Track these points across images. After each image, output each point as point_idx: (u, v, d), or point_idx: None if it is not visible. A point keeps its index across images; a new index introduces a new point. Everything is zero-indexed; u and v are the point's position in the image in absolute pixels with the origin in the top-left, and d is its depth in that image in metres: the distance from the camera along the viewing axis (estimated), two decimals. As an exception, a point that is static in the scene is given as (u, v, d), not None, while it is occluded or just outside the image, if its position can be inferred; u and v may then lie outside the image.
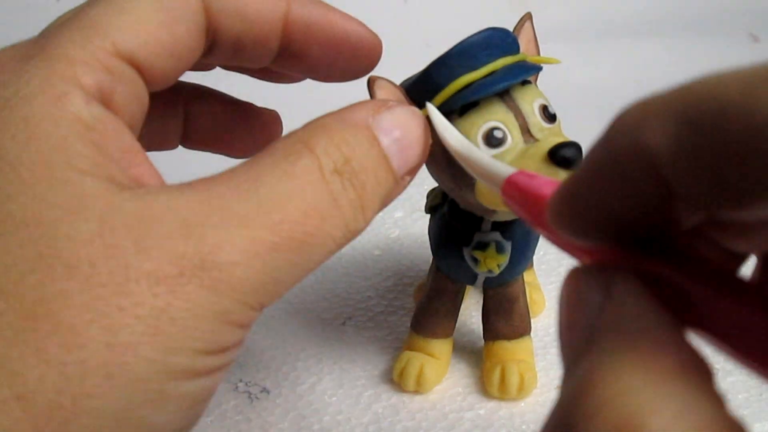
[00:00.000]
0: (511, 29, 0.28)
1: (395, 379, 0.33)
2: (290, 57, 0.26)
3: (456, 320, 0.34)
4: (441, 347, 0.33)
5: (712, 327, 0.13)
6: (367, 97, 0.27)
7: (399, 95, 0.27)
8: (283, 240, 0.19)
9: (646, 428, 0.11)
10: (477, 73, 0.26)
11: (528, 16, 0.30)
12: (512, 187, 0.19)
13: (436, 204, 0.33)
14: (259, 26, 0.24)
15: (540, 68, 0.29)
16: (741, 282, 0.13)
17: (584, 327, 0.14)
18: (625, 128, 0.13)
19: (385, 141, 0.22)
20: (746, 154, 0.11)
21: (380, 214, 0.52)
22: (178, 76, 0.24)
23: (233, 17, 0.24)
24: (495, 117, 0.26)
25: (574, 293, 0.15)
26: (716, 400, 0.12)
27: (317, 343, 0.36)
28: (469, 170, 0.23)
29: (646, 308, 0.13)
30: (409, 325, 0.35)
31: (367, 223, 0.22)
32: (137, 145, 0.21)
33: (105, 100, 0.20)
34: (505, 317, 0.32)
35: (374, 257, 0.44)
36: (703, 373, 0.12)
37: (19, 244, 0.17)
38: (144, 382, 0.17)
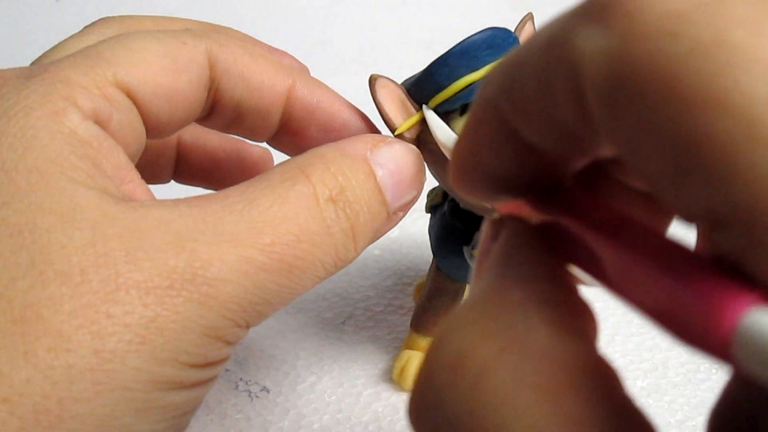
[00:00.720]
0: (512, 29, 0.28)
1: (395, 378, 0.33)
2: (289, 134, 0.26)
3: (456, 319, 0.34)
4: (441, 346, 0.33)
5: (598, 271, 0.13)
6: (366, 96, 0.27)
7: (400, 94, 0.27)
8: (273, 261, 0.19)
9: (471, 361, 0.11)
10: (478, 73, 0.26)
11: (529, 16, 0.30)
12: None
13: (437, 203, 0.33)
14: (261, 95, 0.25)
15: (541, 68, 0.29)
16: (632, 224, 0.13)
17: (476, 272, 0.15)
18: (482, 86, 0.14)
19: (380, 174, 0.22)
20: (551, 89, 0.12)
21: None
22: (175, 128, 0.24)
23: (236, 80, 0.24)
24: (496, 116, 0.26)
25: (480, 244, 0.16)
26: (566, 332, 0.12)
27: (317, 342, 0.36)
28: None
29: (520, 249, 0.14)
30: (408, 324, 0.35)
31: (358, 253, 0.22)
32: (130, 164, 0.21)
33: (101, 125, 0.21)
34: (504, 316, 0.32)
35: (374, 256, 0.44)
36: (563, 307, 0.12)
37: (12, 249, 0.17)
38: (130, 390, 0.17)
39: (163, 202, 0.19)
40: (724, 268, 0.10)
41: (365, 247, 0.22)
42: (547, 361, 0.11)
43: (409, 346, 0.34)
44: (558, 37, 0.12)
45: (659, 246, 0.11)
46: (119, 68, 0.21)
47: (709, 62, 0.10)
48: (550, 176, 0.14)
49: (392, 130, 0.28)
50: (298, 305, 0.39)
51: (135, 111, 0.22)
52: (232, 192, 0.20)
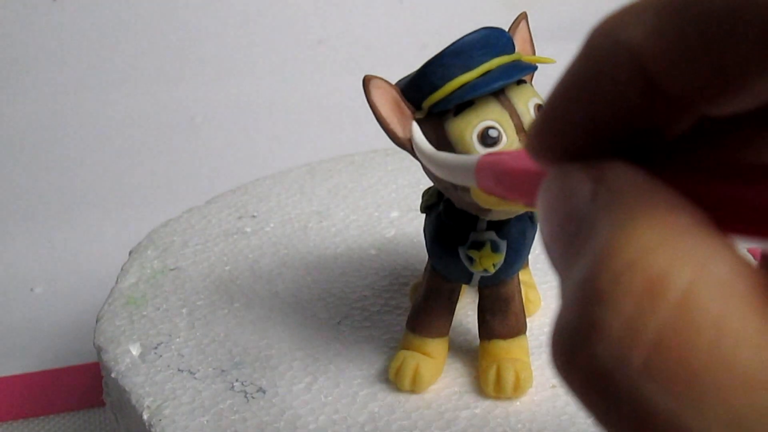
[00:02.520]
0: (506, 29, 0.28)
1: (391, 379, 0.33)
2: None
3: (451, 319, 0.34)
4: (437, 346, 0.33)
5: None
6: (360, 95, 0.27)
7: (394, 95, 0.27)
8: None
9: (673, 281, 0.11)
10: (472, 73, 0.26)
11: (523, 16, 0.30)
12: (483, 170, 0.19)
13: (432, 203, 0.33)
14: None
15: (535, 68, 0.29)
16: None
17: (575, 223, 0.13)
18: (604, 31, 0.13)
19: None
20: (734, 25, 0.11)
21: (376, 213, 0.52)
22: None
23: None
24: (490, 116, 0.26)
25: (557, 193, 0.14)
26: (732, 250, 0.11)
27: (313, 343, 0.36)
28: (447, 177, 0.23)
29: (642, 179, 0.13)
30: (404, 324, 0.35)
31: None
32: None
33: None
34: (500, 316, 0.33)
35: (370, 257, 0.44)
36: (712, 226, 0.12)
37: None
38: None
39: None
40: None
41: None
42: (744, 277, 0.11)
43: (405, 347, 0.34)
44: None
45: None
46: None
47: None
48: (653, 135, 0.13)
49: (387, 130, 0.28)
50: (294, 305, 0.39)
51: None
52: None
